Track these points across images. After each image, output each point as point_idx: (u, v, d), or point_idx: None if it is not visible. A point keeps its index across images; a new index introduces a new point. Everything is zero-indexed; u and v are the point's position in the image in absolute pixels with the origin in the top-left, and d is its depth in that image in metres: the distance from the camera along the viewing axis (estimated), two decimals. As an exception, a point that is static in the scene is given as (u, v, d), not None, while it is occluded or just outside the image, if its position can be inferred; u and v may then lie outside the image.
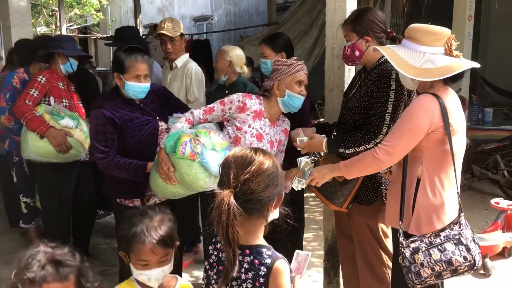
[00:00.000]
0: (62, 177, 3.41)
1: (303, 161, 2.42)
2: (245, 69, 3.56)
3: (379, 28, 2.45)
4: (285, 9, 9.56)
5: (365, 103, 2.43)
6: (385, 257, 2.54)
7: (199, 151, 2.36)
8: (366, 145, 2.38)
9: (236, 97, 2.59)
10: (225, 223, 1.39)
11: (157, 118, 2.75)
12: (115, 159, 2.57)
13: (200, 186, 2.40)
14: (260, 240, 1.53)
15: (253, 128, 2.59)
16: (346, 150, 2.43)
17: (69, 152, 3.21)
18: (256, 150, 1.52)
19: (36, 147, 3.16)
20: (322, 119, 4.54)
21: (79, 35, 16.90)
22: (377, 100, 2.37)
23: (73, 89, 3.60)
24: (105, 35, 15.67)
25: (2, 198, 4.68)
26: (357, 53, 2.45)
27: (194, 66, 3.58)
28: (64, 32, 12.72)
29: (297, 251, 1.77)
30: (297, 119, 2.79)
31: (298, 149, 2.60)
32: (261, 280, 1.44)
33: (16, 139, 3.73)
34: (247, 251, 1.48)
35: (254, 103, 2.61)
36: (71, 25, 17.38)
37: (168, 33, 3.49)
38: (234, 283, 1.48)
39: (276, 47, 3.09)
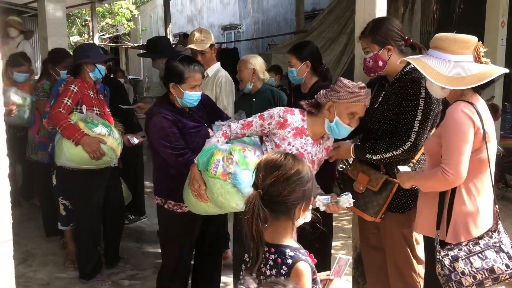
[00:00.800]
0: (93, 183, 3.47)
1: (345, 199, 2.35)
2: (267, 75, 3.65)
3: (398, 36, 2.45)
4: (314, 17, 9.58)
5: (395, 112, 2.42)
6: (416, 265, 2.52)
7: (231, 171, 2.29)
8: (393, 152, 2.38)
9: (277, 111, 2.43)
10: (250, 221, 1.49)
11: (205, 125, 2.82)
12: (192, 156, 2.55)
13: (231, 207, 2.35)
14: (288, 241, 1.60)
15: (293, 146, 2.43)
16: (373, 156, 2.43)
17: (102, 159, 3.28)
18: (287, 155, 1.60)
19: (70, 154, 3.23)
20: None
21: (111, 44, 17.31)
22: (407, 108, 2.37)
23: (102, 98, 3.67)
24: (136, 44, 16.02)
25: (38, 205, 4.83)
26: (380, 63, 2.45)
27: (224, 75, 3.62)
28: (96, 41, 13.04)
29: (339, 255, 1.84)
30: None
31: (325, 157, 2.59)
32: (284, 275, 1.53)
33: None
34: (273, 249, 1.57)
35: (296, 119, 2.43)
36: (103, 35, 17.83)
37: (197, 47, 3.55)
38: (262, 277, 1.57)
39: (302, 56, 3.11)
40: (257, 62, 3.54)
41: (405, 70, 2.44)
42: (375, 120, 2.53)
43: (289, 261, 1.53)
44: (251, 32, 13.37)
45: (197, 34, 3.61)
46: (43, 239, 4.45)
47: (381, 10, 2.73)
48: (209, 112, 2.96)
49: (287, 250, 1.56)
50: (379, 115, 2.50)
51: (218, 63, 3.72)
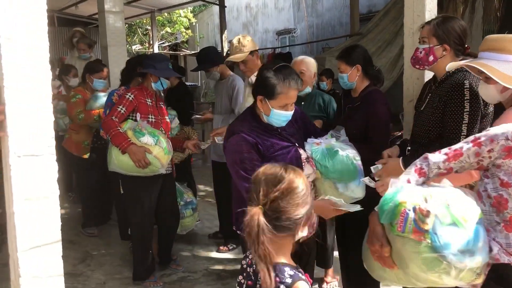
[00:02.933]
0: (144, 189, 3.53)
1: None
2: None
3: (459, 40, 2.35)
4: (369, 19, 9.38)
5: (439, 115, 2.33)
6: None
7: (429, 228, 1.63)
8: None
9: (502, 132, 1.72)
10: (256, 240, 1.40)
11: (296, 144, 2.43)
12: None
13: (430, 281, 1.69)
14: (286, 258, 1.53)
15: None
16: None
17: (148, 167, 3.32)
18: (287, 168, 1.52)
19: (118, 161, 3.32)
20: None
21: (170, 52, 17.85)
22: (452, 112, 2.27)
23: (162, 105, 3.73)
24: (193, 52, 16.42)
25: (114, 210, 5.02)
26: (431, 58, 2.36)
27: None
28: (156, 49, 13.51)
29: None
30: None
31: (377, 178, 2.40)
32: None
33: None
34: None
35: None
36: (163, 43, 18.42)
37: (235, 59, 3.62)
38: None
39: (351, 60, 3.02)
40: (316, 66, 3.55)
41: (449, 72, 2.35)
42: (421, 124, 2.45)
43: (288, 280, 1.46)
44: (305, 36, 13.32)
45: (235, 44, 3.64)
46: (101, 239, 4.66)
47: (430, 11, 2.64)
48: (301, 127, 2.58)
49: (286, 269, 1.49)
50: (424, 118, 2.42)
51: None
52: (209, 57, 4.14)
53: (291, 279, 1.46)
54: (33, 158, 1.54)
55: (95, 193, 4.80)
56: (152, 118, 3.53)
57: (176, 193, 3.96)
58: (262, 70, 2.37)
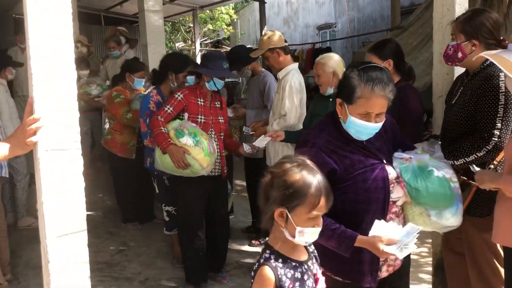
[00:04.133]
0: (192, 191, 3.46)
1: None
2: None
3: (489, 33, 2.28)
4: (411, 12, 9.17)
5: (471, 109, 2.28)
6: (501, 272, 2.33)
7: None
8: (477, 154, 2.24)
9: None
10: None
11: (384, 161, 2.03)
12: (345, 234, 1.88)
13: None
14: (279, 246, 1.64)
15: None
16: (455, 161, 2.31)
17: (189, 169, 3.25)
18: (303, 167, 1.61)
19: (161, 161, 3.31)
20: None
21: (212, 49, 18.05)
22: (485, 105, 2.21)
23: (218, 105, 3.60)
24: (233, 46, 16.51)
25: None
26: (459, 54, 2.32)
27: (290, 79, 3.57)
28: (198, 46, 13.72)
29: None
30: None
31: None
32: (252, 273, 1.65)
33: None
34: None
35: None
36: (205, 40, 18.66)
37: (252, 55, 3.68)
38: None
39: (383, 55, 2.95)
40: (335, 63, 3.38)
41: (484, 65, 2.29)
42: (452, 118, 2.40)
43: (261, 260, 1.63)
44: (346, 30, 13.14)
45: (258, 44, 3.68)
46: (139, 231, 4.82)
47: (461, 4, 2.58)
48: (390, 138, 2.14)
49: (268, 251, 1.64)
50: (455, 112, 2.38)
51: (291, 66, 3.68)
52: (240, 57, 4.19)
53: (262, 261, 1.62)
54: (60, 152, 1.64)
55: (135, 192, 4.81)
56: (201, 118, 3.43)
57: (227, 196, 3.82)
58: (347, 71, 2.01)
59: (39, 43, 1.57)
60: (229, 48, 17.68)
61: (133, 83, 4.60)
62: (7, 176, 3.25)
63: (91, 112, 5.85)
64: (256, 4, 13.93)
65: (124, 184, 4.85)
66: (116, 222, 5.00)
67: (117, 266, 4.00)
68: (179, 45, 18.61)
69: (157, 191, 4.01)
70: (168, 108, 3.39)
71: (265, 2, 11.19)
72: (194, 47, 14.38)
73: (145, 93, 4.56)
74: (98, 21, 11.93)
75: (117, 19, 12.24)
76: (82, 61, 5.85)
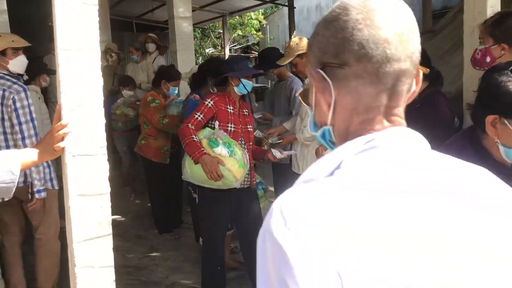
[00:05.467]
0: (219, 203, 3.35)
1: None
2: None
3: None
4: (443, 15, 8.98)
5: None
6: None
7: None
8: None
9: None
10: None
11: None
12: None
13: None
14: None
15: None
16: None
17: (222, 180, 3.11)
18: None
19: (191, 171, 3.20)
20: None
21: (241, 54, 18.17)
22: None
23: (246, 113, 3.49)
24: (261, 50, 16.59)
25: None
26: (488, 59, 2.24)
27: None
28: (227, 52, 13.83)
29: None
30: None
31: None
32: None
33: None
34: None
35: None
36: (235, 45, 18.81)
37: (280, 63, 3.69)
38: None
39: None
40: None
41: None
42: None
43: None
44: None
45: (285, 51, 3.68)
46: (166, 235, 4.86)
47: (493, 7, 2.51)
48: None
49: None
50: None
51: None
52: (270, 59, 4.19)
53: None
54: (87, 158, 1.67)
55: (168, 198, 4.81)
56: (231, 127, 3.31)
57: (258, 208, 3.65)
58: (491, 73, 1.63)
59: (66, 50, 1.61)
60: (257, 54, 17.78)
61: (168, 91, 4.65)
62: (57, 187, 3.24)
63: (129, 132, 5.90)
64: (286, 9, 13.94)
65: (158, 189, 4.83)
66: (144, 226, 5.06)
67: (144, 269, 4.05)
68: (209, 51, 18.82)
69: (197, 201, 3.77)
70: (199, 115, 3.26)
71: (294, 7, 11.19)
72: (223, 53, 14.50)
73: (180, 98, 4.64)
74: (130, 28, 12.20)
75: (149, 25, 12.48)
76: (130, 81, 5.86)
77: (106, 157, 1.71)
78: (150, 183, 4.99)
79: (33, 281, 3.34)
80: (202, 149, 3.11)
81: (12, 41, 3.10)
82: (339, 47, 0.76)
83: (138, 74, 6.42)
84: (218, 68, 3.73)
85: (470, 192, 0.72)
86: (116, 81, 6.48)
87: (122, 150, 5.99)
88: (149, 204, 5.28)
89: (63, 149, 1.63)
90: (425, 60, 2.94)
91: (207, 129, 3.26)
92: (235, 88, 3.31)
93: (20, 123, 2.92)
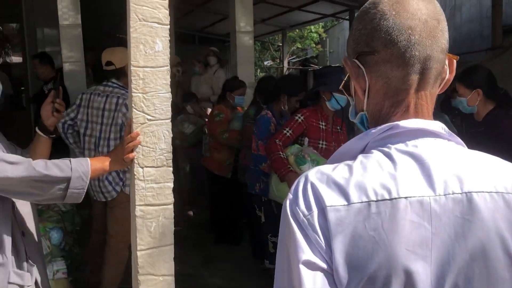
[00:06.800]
0: None
1: None
2: None
3: None
4: (514, 30, 8.59)
5: None
6: None
7: None
8: None
9: None
10: None
11: None
12: None
13: None
14: None
15: None
16: None
17: None
18: None
19: (277, 189, 3.14)
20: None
21: (299, 67, 18.21)
22: None
23: (340, 130, 3.36)
24: (322, 67, 16.55)
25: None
26: None
27: None
28: (285, 65, 13.90)
29: None
30: None
31: None
32: None
33: (269, 182, 3.59)
34: None
35: None
36: (293, 58, 18.87)
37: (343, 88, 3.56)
38: None
39: (471, 84, 2.76)
40: None
41: None
42: None
43: None
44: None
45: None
46: (223, 246, 4.92)
47: None
48: None
49: None
50: None
51: None
52: (331, 81, 4.14)
53: None
54: (153, 169, 1.75)
55: (229, 212, 4.80)
56: (323, 144, 3.16)
57: None
58: None
59: (138, 68, 1.69)
60: (317, 67, 17.75)
61: (234, 101, 4.62)
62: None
63: (191, 149, 6.00)
64: (346, 23, 13.87)
65: (219, 202, 4.86)
66: (200, 235, 5.15)
67: (199, 278, 4.11)
68: (267, 63, 19.00)
69: (262, 219, 3.79)
70: (287, 131, 3.15)
71: (356, 21, 11.09)
72: (282, 66, 14.60)
73: (241, 111, 4.65)
74: (193, 40, 12.58)
75: (210, 38, 12.82)
76: (192, 97, 5.93)
77: (171, 169, 1.78)
78: (211, 195, 5.06)
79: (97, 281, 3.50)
80: (289, 166, 3.01)
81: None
82: (369, 36, 0.84)
83: (202, 87, 6.58)
84: (294, 87, 3.71)
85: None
86: (179, 97, 6.65)
87: (182, 167, 6.08)
88: (208, 215, 5.33)
89: (132, 160, 1.71)
90: (490, 82, 2.82)
91: (296, 145, 3.15)
92: (328, 103, 3.18)
93: None
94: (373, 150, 0.82)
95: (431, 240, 0.75)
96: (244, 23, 6.34)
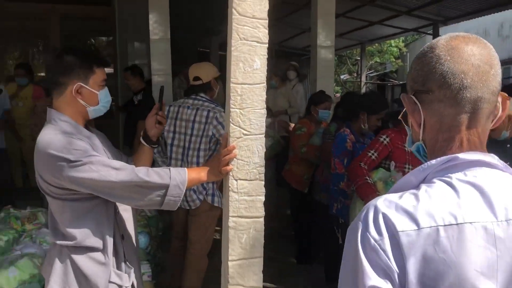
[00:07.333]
0: None
1: None
2: None
3: None
4: None
5: None
6: None
7: None
8: None
9: None
10: None
11: None
12: None
13: None
14: None
15: None
16: None
17: None
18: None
19: None
20: None
21: (377, 82, 17.85)
22: None
23: None
24: (401, 82, 16.10)
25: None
26: None
27: None
28: (363, 79, 13.68)
29: None
30: None
31: None
32: None
33: (347, 203, 3.59)
34: None
35: None
36: (371, 72, 18.54)
37: None
38: None
39: None
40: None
41: None
42: None
43: None
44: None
45: None
46: (294, 261, 4.90)
47: None
48: None
49: None
50: None
51: None
52: None
53: None
54: (246, 182, 1.80)
55: (307, 227, 4.75)
56: (409, 168, 3.04)
57: None
58: None
59: (237, 84, 1.76)
60: (396, 82, 17.29)
61: (318, 115, 4.53)
62: (218, 206, 3.46)
63: (268, 161, 5.98)
64: (428, 37, 13.40)
65: (299, 216, 4.85)
66: (275, 247, 5.16)
67: (274, 292, 4.13)
68: (344, 77, 18.81)
69: (340, 241, 3.70)
70: (372, 154, 3.04)
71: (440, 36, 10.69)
72: (359, 80, 14.39)
73: (322, 127, 4.57)
74: (270, 54, 12.75)
75: (287, 52, 12.94)
76: (322, 95, 5.97)
77: (263, 183, 1.82)
78: (291, 208, 5.06)
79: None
80: (378, 193, 2.87)
81: (216, 72, 3.52)
82: (425, 77, 0.95)
83: (279, 100, 6.65)
84: (375, 104, 3.57)
85: None
86: None
87: (267, 177, 6.05)
88: (290, 228, 5.33)
89: (228, 172, 1.77)
90: None
91: (382, 170, 3.03)
92: None
93: None
94: (434, 180, 0.90)
95: (496, 262, 0.83)
96: (325, 38, 6.33)
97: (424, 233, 0.83)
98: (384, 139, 3.02)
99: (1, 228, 3.28)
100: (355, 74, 17.91)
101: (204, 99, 3.39)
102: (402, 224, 0.84)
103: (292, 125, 5.62)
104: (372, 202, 0.90)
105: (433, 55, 0.94)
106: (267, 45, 1.76)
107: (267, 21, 1.75)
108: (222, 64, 9.71)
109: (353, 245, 0.86)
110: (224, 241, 1.86)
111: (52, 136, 1.72)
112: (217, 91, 3.59)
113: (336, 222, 3.68)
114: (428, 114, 0.96)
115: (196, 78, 3.42)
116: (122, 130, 6.26)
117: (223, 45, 12.69)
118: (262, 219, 1.81)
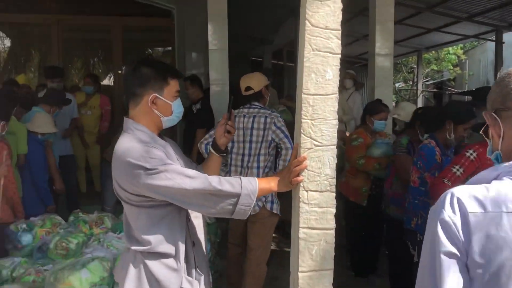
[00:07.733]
0: None
1: None
2: None
3: None
4: None
5: None
6: None
7: None
8: None
9: None
10: None
11: None
12: None
13: None
14: None
15: None
16: None
17: None
18: None
19: None
20: None
21: (434, 90, 17.31)
22: None
23: None
24: (460, 90, 15.54)
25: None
26: None
27: None
28: (419, 87, 13.32)
29: None
30: None
31: None
32: None
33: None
34: None
35: None
36: (427, 80, 18.01)
37: None
38: None
39: None
40: None
41: None
42: None
43: None
44: None
45: None
46: (357, 273, 4.80)
47: None
48: None
49: None
50: None
51: None
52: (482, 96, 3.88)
53: None
54: (317, 194, 1.79)
55: (365, 241, 4.62)
56: None
57: None
58: None
59: (308, 95, 1.76)
60: (454, 90, 16.70)
61: (373, 125, 4.37)
62: (277, 212, 3.45)
63: None
64: (489, 44, 12.91)
65: (355, 230, 4.73)
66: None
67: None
68: (399, 85, 18.38)
69: (415, 259, 3.44)
70: (457, 170, 2.85)
71: (503, 42, 10.25)
72: (415, 88, 14.02)
73: (386, 139, 4.44)
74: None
75: (341, 60, 12.80)
76: (377, 104, 5.61)
77: (334, 195, 1.80)
78: (347, 222, 4.89)
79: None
80: None
81: (266, 80, 3.67)
82: (504, 97, 1.18)
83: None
84: (463, 113, 3.36)
85: None
86: None
87: None
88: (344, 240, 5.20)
89: (299, 183, 1.77)
90: None
91: None
92: None
93: (286, 136, 3.42)
94: (504, 178, 1.12)
95: None
96: (383, 45, 6.23)
97: (490, 216, 1.06)
98: (471, 154, 2.82)
99: (72, 231, 3.44)
100: (410, 82, 17.47)
101: (258, 106, 3.54)
102: (473, 207, 1.08)
103: (348, 133, 5.53)
104: (451, 189, 1.13)
105: (510, 80, 1.18)
106: (339, 55, 1.76)
107: (340, 31, 1.75)
108: (274, 73, 9.76)
109: (432, 222, 1.13)
110: (293, 252, 1.85)
111: (130, 145, 1.78)
112: (268, 98, 3.72)
113: (413, 239, 3.40)
114: (507, 127, 1.18)
115: (248, 88, 3.57)
116: (181, 138, 6.40)
117: (275, 54, 12.77)
118: (333, 231, 1.80)
